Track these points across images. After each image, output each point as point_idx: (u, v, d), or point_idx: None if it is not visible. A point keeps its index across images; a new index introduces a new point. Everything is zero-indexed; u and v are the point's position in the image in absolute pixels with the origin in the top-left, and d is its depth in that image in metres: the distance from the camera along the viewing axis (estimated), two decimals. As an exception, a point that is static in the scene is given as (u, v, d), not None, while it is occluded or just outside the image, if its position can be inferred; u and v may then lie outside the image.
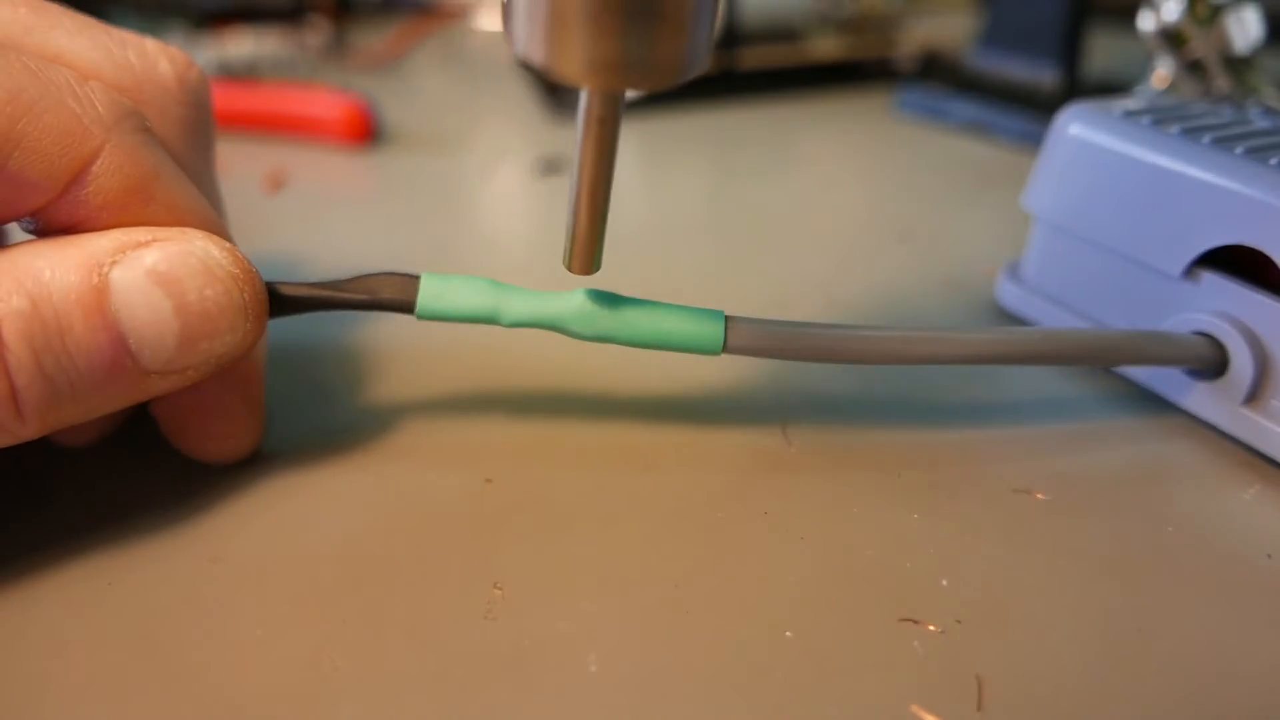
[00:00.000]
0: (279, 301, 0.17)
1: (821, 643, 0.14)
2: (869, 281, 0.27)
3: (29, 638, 0.14)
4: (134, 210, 0.15)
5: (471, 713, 0.13)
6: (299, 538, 0.17)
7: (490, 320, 0.17)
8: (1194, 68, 0.25)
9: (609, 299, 0.17)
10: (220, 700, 0.13)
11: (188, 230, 0.16)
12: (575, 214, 0.16)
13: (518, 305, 0.17)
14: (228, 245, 0.16)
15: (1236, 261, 0.19)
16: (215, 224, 0.17)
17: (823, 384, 0.21)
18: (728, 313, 0.18)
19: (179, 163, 0.17)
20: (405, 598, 0.15)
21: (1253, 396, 0.19)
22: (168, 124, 0.17)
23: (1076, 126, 0.22)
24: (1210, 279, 0.20)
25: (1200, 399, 0.20)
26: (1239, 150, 0.20)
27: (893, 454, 0.19)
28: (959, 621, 0.15)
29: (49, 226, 0.15)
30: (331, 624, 0.15)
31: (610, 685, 0.14)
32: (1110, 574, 0.16)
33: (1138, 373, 0.21)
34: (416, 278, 0.17)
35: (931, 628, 0.15)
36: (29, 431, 0.14)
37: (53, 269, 0.14)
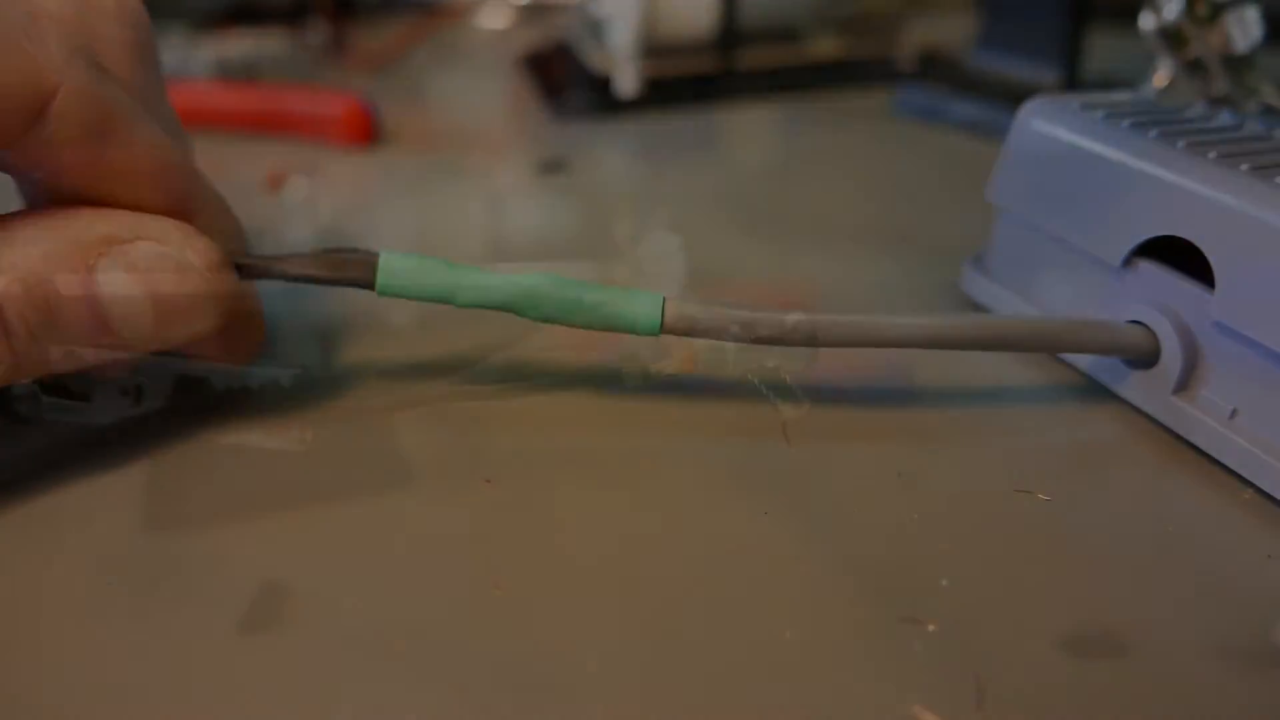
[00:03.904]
0: (242, 270, 0.18)
1: (821, 643, 0.14)
2: (868, 280, 0.27)
3: (29, 637, 0.14)
4: (93, 149, 0.16)
5: (471, 713, 0.13)
6: (299, 538, 0.17)
7: (446, 300, 0.19)
8: (1194, 68, 0.25)
9: (557, 284, 0.18)
10: (221, 700, 0.13)
11: (169, 227, 0.17)
12: None
13: (469, 289, 0.18)
14: (203, 244, 0.17)
15: (1178, 253, 0.19)
16: (172, 158, 0.17)
17: (823, 383, 0.21)
18: (669, 297, 0.19)
19: (128, 87, 0.17)
20: (405, 598, 0.15)
21: (1183, 385, 0.19)
22: (113, 48, 0.18)
23: (1035, 119, 0.23)
24: (1146, 268, 0.20)
25: (1135, 388, 0.20)
26: (1181, 144, 0.20)
27: (893, 453, 0.19)
28: (959, 621, 0.15)
29: (13, 167, 0.17)
30: (331, 624, 0.15)
31: (610, 685, 0.14)
32: (1111, 574, 0.16)
33: (1078, 362, 0.22)
34: (376, 256, 0.18)
35: (931, 628, 0.15)
36: (25, 376, 0.16)
37: (45, 256, 0.16)
